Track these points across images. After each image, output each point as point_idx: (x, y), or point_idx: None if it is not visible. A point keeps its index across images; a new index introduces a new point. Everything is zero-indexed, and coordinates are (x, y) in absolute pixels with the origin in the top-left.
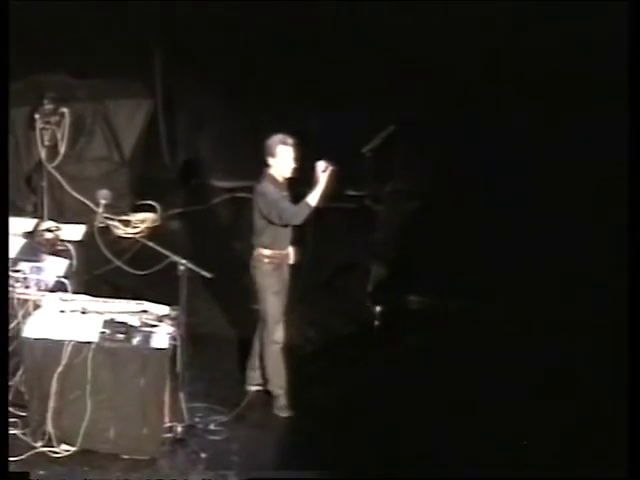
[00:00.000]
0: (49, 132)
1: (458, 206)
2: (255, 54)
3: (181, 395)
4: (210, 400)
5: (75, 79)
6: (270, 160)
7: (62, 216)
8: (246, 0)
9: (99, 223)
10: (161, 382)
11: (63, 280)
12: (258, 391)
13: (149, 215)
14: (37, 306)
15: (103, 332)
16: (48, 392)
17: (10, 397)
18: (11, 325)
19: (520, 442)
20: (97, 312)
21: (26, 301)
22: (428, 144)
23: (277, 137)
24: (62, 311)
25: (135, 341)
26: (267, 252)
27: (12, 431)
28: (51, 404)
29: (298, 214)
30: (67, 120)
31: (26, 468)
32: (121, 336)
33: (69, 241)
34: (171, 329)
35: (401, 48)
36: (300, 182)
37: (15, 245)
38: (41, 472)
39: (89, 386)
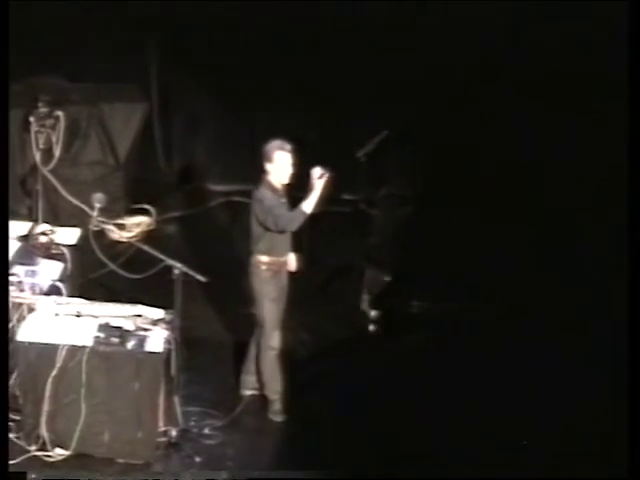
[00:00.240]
0: (44, 135)
1: (452, 210)
2: (251, 57)
3: (176, 399)
4: (205, 404)
5: (70, 82)
6: (268, 166)
7: (57, 219)
8: (242, 1)
9: (94, 227)
10: (156, 386)
11: (58, 284)
12: (253, 395)
13: (144, 219)
14: (31, 310)
15: (98, 336)
16: (42, 396)
17: None
18: None
19: (520, 442)
20: (92, 316)
21: (20, 305)
22: (422, 148)
23: (275, 143)
24: (57, 315)
25: (130, 345)
26: (265, 259)
27: None
28: (45, 408)
29: (293, 221)
30: (62, 123)
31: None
32: (116, 340)
33: (64, 245)
34: (166, 333)
35: (397, 53)
36: (298, 188)
37: (10, 249)
38: (33, 476)
39: (83, 390)
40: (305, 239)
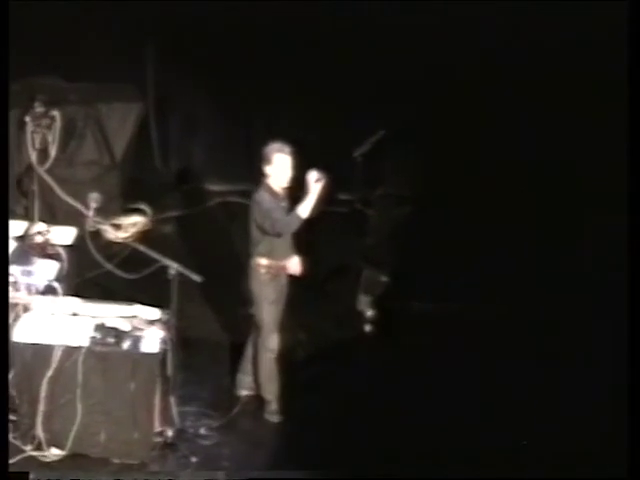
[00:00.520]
0: (40, 135)
1: (450, 210)
2: (248, 57)
3: (172, 399)
4: (201, 404)
5: (67, 82)
6: (267, 169)
7: (53, 219)
8: (240, 1)
9: (90, 226)
10: (152, 386)
11: (54, 283)
12: (249, 396)
13: (140, 219)
14: (27, 310)
15: (94, 336)
16: (38, 396)
17: None
18: None
19: (520, 442)
20: (88, 316)
21: (16, 305)
22: (419, 148)
23: (274, 145)
24: (52, 315)
25: (126, 345)
26: (264, 262)
27: None
28: (41, 408)
29: (289, 225)
30: (58, 123)
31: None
32: (112, 340)
33: (60, 244)
34: (162, 333)
35: (394, 53)
36: (299, 190)
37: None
38: (32, 476)
39: (79, 390)
40: (303, 242)
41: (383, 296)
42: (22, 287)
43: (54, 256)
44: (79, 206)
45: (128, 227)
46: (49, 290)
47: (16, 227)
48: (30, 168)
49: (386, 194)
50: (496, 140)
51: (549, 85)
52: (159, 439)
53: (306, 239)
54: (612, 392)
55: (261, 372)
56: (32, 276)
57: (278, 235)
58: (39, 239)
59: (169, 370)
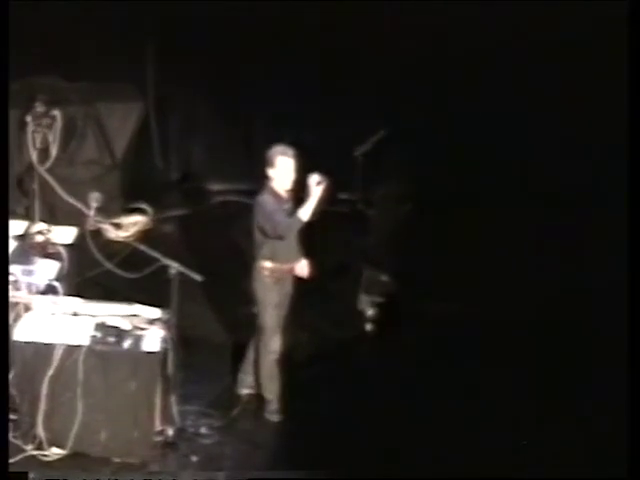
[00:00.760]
0: (41, 135)
1: (451, 209)
2: (249, 57)
3: (172, 398)
4: (201, 404)
5: (67, 82)
6: (270, 172)
7: (53, 219)
8: (240, 1)
9: (90, 226)
10: (152, 385)
11: (54, 283)
12: (250, 395)
13: (141, 218)
14: (28, 309)
15: (94, 335)
16: (39, 395)
17: None
18: None
19: (520, 442)
20: (88, 315)
21: (17, 304)
22: (420, 147)
23: (277, 148)
24: (53, 314)
25: (126, 344)
26: (268, 265)
27: None
28: (42, 407)
29: (290, 227)
30: (59, 123)
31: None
32: (112, 339)
33: (60, 244)
34: (162, 332)
35: (395, 53)
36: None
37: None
38: (32, 476)
39: (80, 389)
40: (305, 244)
41: (384, 295)
42: (23, 286)
43: (55, 255)
44: (80, 205)
45: (129, 226)
46: (50, 289)
47: (17, 226)
48: (31, 168)
49: (387, 194)
50: (497, 140)
51: (549, 85)
52: (159, 438)
53: (308, 240)
54: (612, 392)
55: (262, 372)
56: (33, 275)
57: (280, 238)
58: (40, 238)
59: (169, 369)
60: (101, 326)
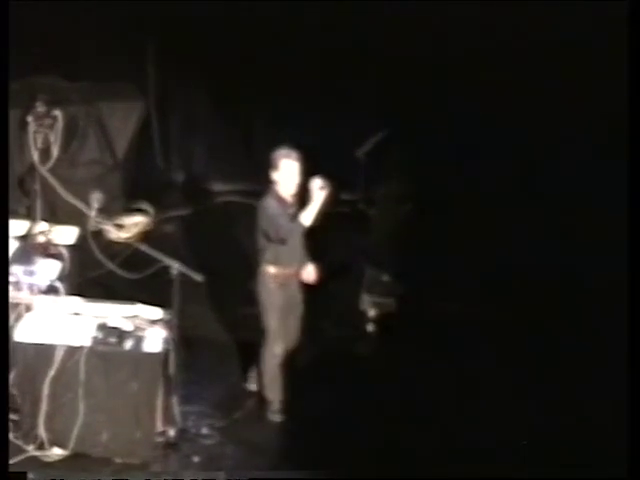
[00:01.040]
0: (42, 135)
1: (452, 209)
2: (250, 56)
3: (174, 399)
4: (203, 404)
5: (68, 82)
6: (274, 175)
7: (55, 219)
8: (241, 1)
9: (92, 226)
10: (154, 386)
11: (56, 283)
12: (252, 396)
13: (142, 218)
14: (29, 309)
15: (96, 336)
16: (40, 395)
17: None
18: None
19: (520, 442)
20: (90, 315)
21: (18, 304)
22: (422, 147)
23: (281, 152)
24: (54, 314)
25: (128, 345)
26: (272, 270)
27: None
28: (43, 407)
29: (292, 232)
30: (60, 123)
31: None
32: (114, 340)
33: (62, 244)
34: (164, 333)
35: (395, 52)
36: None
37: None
38: (31, 476)
39: (81, 390)
40: (309, 249)
41: (385, 295)
42: (24, 287)
43: (56, 256)
44: (81, 206)
45: (130, 227)
46: (51, 290)
47: (18, 227)
48: (32, 168)
49: (388, 193)
50: (498, 139)
51: (549, 85)
52: (161, 439)
53: (310, 243)
54: (612, 392)
55: (265, 375)
56: (34, 276)
57: (282, 242)
58: (41, 239)
59: (171, 370)
60: (102, 327)
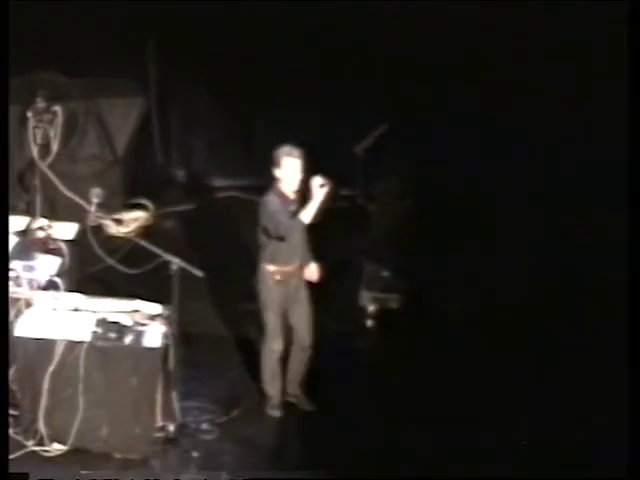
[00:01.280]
0: (42, 130)
1: (451, 204)
2: (250, 53)
3: (173, 394)
4: (203, 399)
5: (68, 77)
6: (277, 173)
7: (54, 214)
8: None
9: (91, 222)
10: (153, 381)
11: (55, 279)
12: (250, 391)
13: (142, 214)
14: (29, 305)
15: (95, 331)
16: (40, 391)
17: None
18: None
19: (520, 442)
20: (89, 311)
21: (18, 300)
22: (421, 143)
23: (283, 149)
24: (54, 310)
25: (127, 340)
26: (271, 268)
27: None
28: (43, 403)
29: (291, 229)
30: (60, 118)
31: (17, 467)
32: (113, 335)
33: (61, 239)
34: (163, 328)
35: (394, 48)
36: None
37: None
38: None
39: (81, 385)
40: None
41: (384, 291)
42: (24, 282)
43: (56, 251)
44: (81, 201)
45: (130, 222)
46: (51, 285)
47: (18, 222)
48: (32, 163)
49: (388, 189)
50: (498, 136)
51: (549, 85)
52: (161, 434)
53: (310, 240)
54: (612, 392)
55: (265, 370)
56: (34, 271)
57: (281, 239)
58: (41, 234)
59: (171, 365)
60: (102, 322)
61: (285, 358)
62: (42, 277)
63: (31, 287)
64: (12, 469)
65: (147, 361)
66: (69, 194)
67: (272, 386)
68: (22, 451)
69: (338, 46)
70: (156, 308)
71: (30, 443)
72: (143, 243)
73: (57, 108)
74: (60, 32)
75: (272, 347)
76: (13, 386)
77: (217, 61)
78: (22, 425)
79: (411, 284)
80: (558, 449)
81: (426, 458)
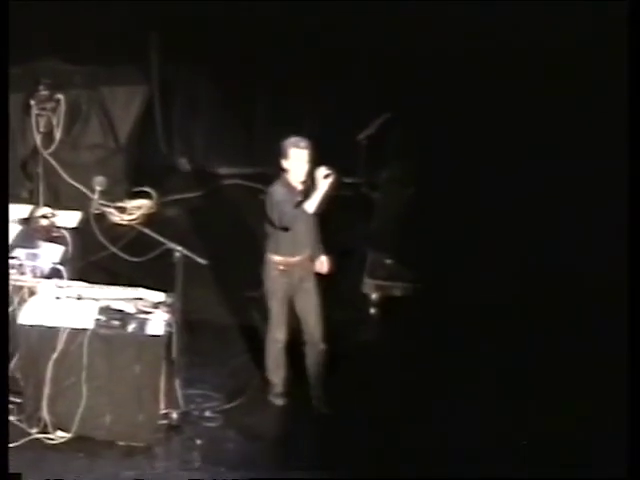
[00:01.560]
0: (44, 118)
1: (454, 193)
2: (252, 40)
3: (177, 382)
4: (206, 387)
5: (71, 65)
6: (284, 163)
7: (58, 202)
8: None
9: (94, 210)
10: (156, 369)
11: (58, 267)
12: (254, 379)
13: (145, 202)
14: (32, 293)
15: (99, 319)
16: (43, 378)
17: None
18: None
19: (520, 442)
20: (93, 299)
21: (21, 288)
22: (424, 130)
23: (290, 140)
24: (57, 298)
25: (131, 328)
26: (275, 258)
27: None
28: (46, 391)
29: (295, 219)
30: (62, 106)
31: (21, 454)
32: (117, 323)
33: (64, 228)
34: (167, 316)
35: (397, 37)
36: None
37: (11, 232)
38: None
39: (84, 373)
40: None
41: (387, 279)
42: (27, 270)
43: (59, 239)
44: (84, 189)
45: (133, 210)
46: (54, 273)
47: (21, 210)
48: (35, 151)
49: (391, 177)
50: (500, 125)
51: (549, 85)
52: (164, 421)
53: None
54: (612, 392)
55: (268, 359)
56: (37, 259)
57: (285, 229)
58: (44, 222)
59: (174, 353)
60: (105, 310)
61: (291, 349)
62: (45, 265)
63: (34, 275)
64: (16, 456)
65: (150, 349)
66: (72, 182)
67: (276, 374)
68: (26, 439)
69: (340, 34)
70: (159, 296)
71: (34, 431)
72: (146, 231)
73: (60, 96)
74: (62, 20)
75: (276, 336)
76: (17, 374)
77: (219, 49)
78: (26, 413)
79: (415, 272)
80: (558, 449)
81: (426, 457)
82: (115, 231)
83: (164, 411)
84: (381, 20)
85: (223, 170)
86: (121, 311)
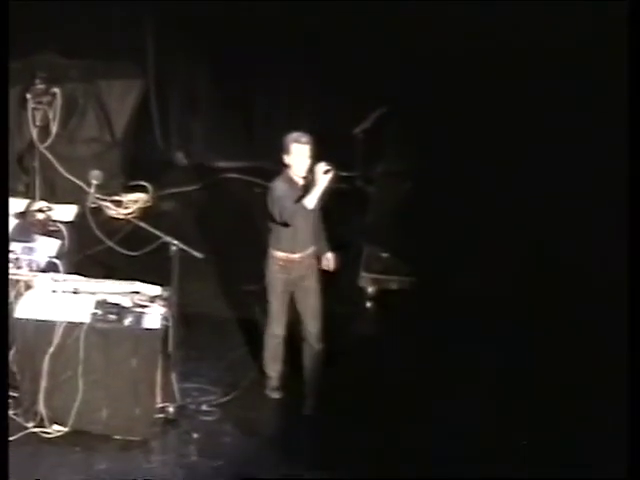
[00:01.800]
0: (41, 112)
1: (451, 186)
2: (251, 34)
3: (173, 376)
4: (202, 381)
5: (67, 59)
6: (286, 158)
7: (54, 196)
8: None
9: (91, 203)
10: (153, 363)
11: (55, 260)
12: (250, 373)
13: (141, 195)
14: (29, 287)
15: (95, 313)
16: (40, 372)
17: None
18: None
19: (520, 442)
20: (89, 292)
21: (18, 281)
22: (420, 124)
23: (292, 135)
24: (54, 291)
25: (127, 322)
26: (275, 254)
27: None
28: (43, 384)
29: (295, 214)
30: (59, 100)
31: (18, 448)
32: (113, 317)
33: (61, 221)
34: (163, 309)
35: (394, 31)
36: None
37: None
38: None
39: (81, 367)
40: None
41: (383, 273)
42: (23, 264)
43: (55, 233)
44: (80, 183)
45: (129, 204)
46: (50, 267)
47: (17, 204)
48: (31, 145)
49: (387, 171)
50: (500, 125)
51: (549, 85)
52: (160, 415)
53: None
54: (612, 392)
55: (266, 353)
56: (33, 253)
57: (285, 224)
58: (40, 216)
59: (170, 346)
60: (102, 303)
61: (290, 343)
62: (42, 259)
63: (31, 269)
64: (12, 450)
65: (147, 342)
66: (68, 176)
67: (272, 368)
68: (22, 433)
69: (338, 29)
70: (156, 289)
71: (30, 425)
72: (142, 225)
73: (56, 90)
74: (59, 13)
75: (275, 331)
76: (13, 368)
77: (217, 42)
78: (22, 407)
79: (411, 265)
80: (558, 449)
81: (426, 456)
82: (111, 225)
83: (160, 405)
84: (381, 20)
85: (220, 164)
86: (117, 305)
